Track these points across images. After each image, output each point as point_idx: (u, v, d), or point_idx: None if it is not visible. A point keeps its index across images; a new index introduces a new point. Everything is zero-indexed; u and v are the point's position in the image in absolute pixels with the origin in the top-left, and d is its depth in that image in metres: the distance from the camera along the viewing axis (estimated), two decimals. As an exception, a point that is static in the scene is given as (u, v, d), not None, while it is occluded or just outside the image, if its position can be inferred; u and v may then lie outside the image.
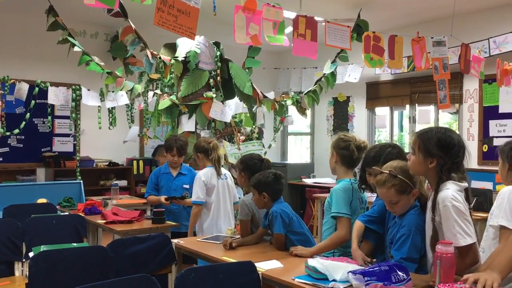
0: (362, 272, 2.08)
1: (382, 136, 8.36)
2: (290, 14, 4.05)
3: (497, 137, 6.34)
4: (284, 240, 2.99)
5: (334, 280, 2.18)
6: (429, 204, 2.27)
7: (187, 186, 4.53)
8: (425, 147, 2.24)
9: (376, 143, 7.88)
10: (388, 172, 2.37)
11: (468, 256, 2.10)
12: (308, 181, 7.98)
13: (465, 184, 2.21)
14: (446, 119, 7.43)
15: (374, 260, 2.43)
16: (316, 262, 2.28)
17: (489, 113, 6.50)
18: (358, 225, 2.62)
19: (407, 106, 7.56)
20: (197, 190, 4.11)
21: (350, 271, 2.12)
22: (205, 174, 4.16)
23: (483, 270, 2.04)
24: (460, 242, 2.09)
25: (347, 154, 2.91)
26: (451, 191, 2.15)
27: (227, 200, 4.26)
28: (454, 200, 2.12)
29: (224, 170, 4.31)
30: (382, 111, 8.02)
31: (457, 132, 2.35)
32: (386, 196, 2.39)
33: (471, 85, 6.67)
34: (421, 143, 2.26)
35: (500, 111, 6.38)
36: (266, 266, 2.55)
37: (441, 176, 2.20)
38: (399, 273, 2.11)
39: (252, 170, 3.42)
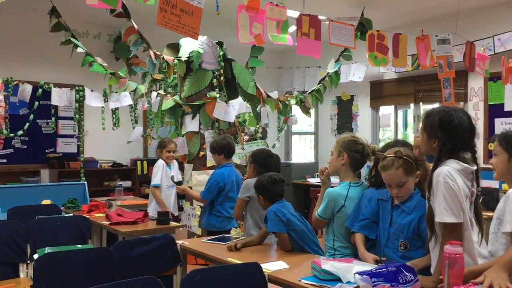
0: (369, 273, 2.06)
1: (387, 135, 8.33)
2: (293, 13, 4.03)
3: (502, 135, 6.30)
4: (288, 239, 2.98)
5: (348, 282, 2.15)
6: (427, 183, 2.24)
7: None
8: (429, 127, 2.24)
9: (381, 142, 7.87)
10: (393, 155, 2.40)
11: (452, 236, 2.06)
12: (313, 180, 7.95)
13: (467, 165, 2.15)
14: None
15: (384, 258, 2.42)
16: (329, 266, 2.25)
17: (495, 111, 6.46)
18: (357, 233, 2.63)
19: (412, 105, 7.52)
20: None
21: (356, 272, 2.10)
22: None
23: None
24: (445, 218, 2.06)
25: (359, 158, 2.84)
26: (447, 168, 2.12)
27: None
28: (447, 177, 2.08)
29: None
30: (387, 110, 7.98)
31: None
32: (394, 177, 2.39)
33: (476, 83, 6.64)
34: (426, 123, 2.26)
35: (506, 109, 6.33)
36: (272, 267, 2.53)
37: (439, 156, 2.18)
38: (407, 274, 2.08)
39: (260, 163, 3.68)
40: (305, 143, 9.77)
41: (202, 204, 4.80)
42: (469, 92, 6.72)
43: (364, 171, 3.13)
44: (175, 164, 5.26)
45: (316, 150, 9.18)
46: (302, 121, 8.12)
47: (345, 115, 8.49)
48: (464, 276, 1.95)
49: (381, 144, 3.09)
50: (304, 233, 2.99)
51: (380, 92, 7.88)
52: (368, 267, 2.23)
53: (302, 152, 9.74)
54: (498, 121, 6.42)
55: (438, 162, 2.18)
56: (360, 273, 2.07)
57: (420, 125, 2.34)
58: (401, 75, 7.46)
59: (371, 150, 2.83)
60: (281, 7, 3.67)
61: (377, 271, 2.08)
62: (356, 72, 7.39)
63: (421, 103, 7.38)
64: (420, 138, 2.32)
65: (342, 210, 2.75)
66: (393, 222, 2.47)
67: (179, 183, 4.74)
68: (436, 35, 4.86)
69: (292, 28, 3.86)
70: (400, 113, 7.98)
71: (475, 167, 2.19)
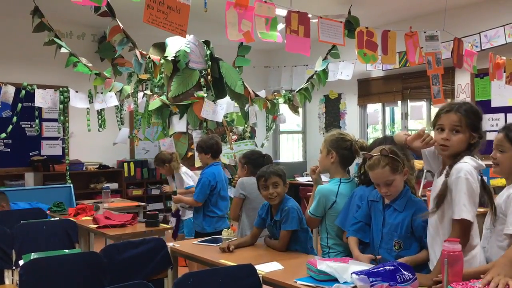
0: (367, 273, 2.01)
1: (375, 133, 8.33)
2: (280, 12, 3.98)
3: (489, 131, 6.33)
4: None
5: (345, 282, 2.10)
6: (442, 177, 2.15)
7: None
8: (472, 123, 2.12)
9: (370, 139, 7.86)
10: (379, 153, 2.38)
11: (465, 234, 2.04)
12: (302, 179, 7.91)
13: (481, 163, 2.12)
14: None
15: (379, 256, 2.38)
16: (325, 266, 2.21)
17: (482, 107, 6.37)
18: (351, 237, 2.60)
19: (399, 102, 7.53)
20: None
21: (353, 272, 2.06)
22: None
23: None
24: (463, 215, 2.03)
25: (348, 155, 2.82)
26: (468, 165, 2.08)
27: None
28: (468, 174, 2.06)
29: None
30: (374, 108, 7.99)
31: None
32: (381, 176, 2.36)
33: (463, 80, 6.66)
34: (467, 119, 2.11)
35: (493, 105, 6.38)
36: (267, 268, 2.48)
37: (467, 152, 2.11)
38: (405, 272, 2.04)
39: (253, 164, 3.66)
40: (293, 142, 9.74)
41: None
42: (456, 88, 6.75)
43: (353, 168, 3.11)
44: (181, 173, 5.01)
45: (304, 149, 9.16)
46: (289, 120, 8.08)
47: (332, 114, 8.48)
48: (462, 277, 1.91)
49: (370, 142, 3.13)
50: (308, 231, 2.96)
51: (367, 90, 7.88)
52: (365, 266, 2.19)
53: (290, 151, 9.71)
54: (485, 117, 6.42)
55: (459, 158, 2.11)
56: (357, 273, 2.03)
57: (445, 125, 2.13)
58: (388, 73, 7.46)
59: (359, 146, 2.82)
60: (269, 4, 3.61)
61: (375, 270, 2.04)
62: (344, 71, 7.38)
63: (408, 100, 7.39)
64: (455, 138, 2.12)
65: (333, 206, 2.73)
66: (385, 222, 2.44)
67: (174, 193, 4.68)
68: (425, 32, 4.85)
69: (280, 26, 3.81)
70: (388, 110, 7.99)
71: (483, 164, 2.16)
